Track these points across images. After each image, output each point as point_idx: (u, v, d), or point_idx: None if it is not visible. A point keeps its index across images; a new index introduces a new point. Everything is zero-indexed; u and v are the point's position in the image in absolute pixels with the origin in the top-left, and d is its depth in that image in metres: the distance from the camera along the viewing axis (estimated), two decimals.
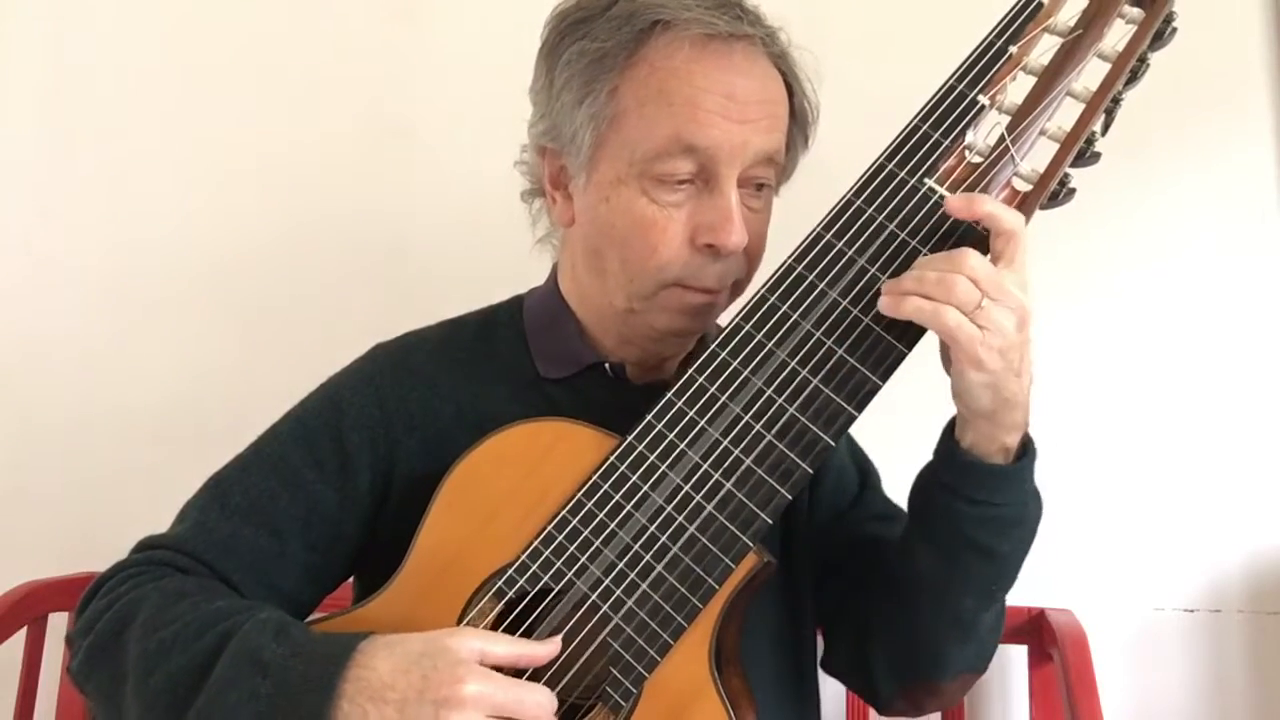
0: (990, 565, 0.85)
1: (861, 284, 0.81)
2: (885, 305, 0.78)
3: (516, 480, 0.85)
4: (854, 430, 0.82)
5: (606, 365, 0.96)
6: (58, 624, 1.37)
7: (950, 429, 0.84)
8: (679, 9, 0.87)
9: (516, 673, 0.77)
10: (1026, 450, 0.83)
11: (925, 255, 0.80)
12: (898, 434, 1.06)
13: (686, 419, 0.82)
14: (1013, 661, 1.44)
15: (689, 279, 0.89)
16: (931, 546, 0.85)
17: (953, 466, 0.83)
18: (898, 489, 0.93)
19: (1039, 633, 1.36)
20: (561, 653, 0.81)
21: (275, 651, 0.76)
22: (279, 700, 0.74)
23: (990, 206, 0.77)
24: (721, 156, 0.87)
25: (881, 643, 0.93)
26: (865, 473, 1.06)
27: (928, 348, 0.81)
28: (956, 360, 0.78)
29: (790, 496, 0.80)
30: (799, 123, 0.94)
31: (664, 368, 0.97)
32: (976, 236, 0.79)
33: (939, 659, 0.90)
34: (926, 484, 0.86)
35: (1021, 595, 1.34)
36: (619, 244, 0.89)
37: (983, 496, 0.82)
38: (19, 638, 1.32)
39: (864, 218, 0.82)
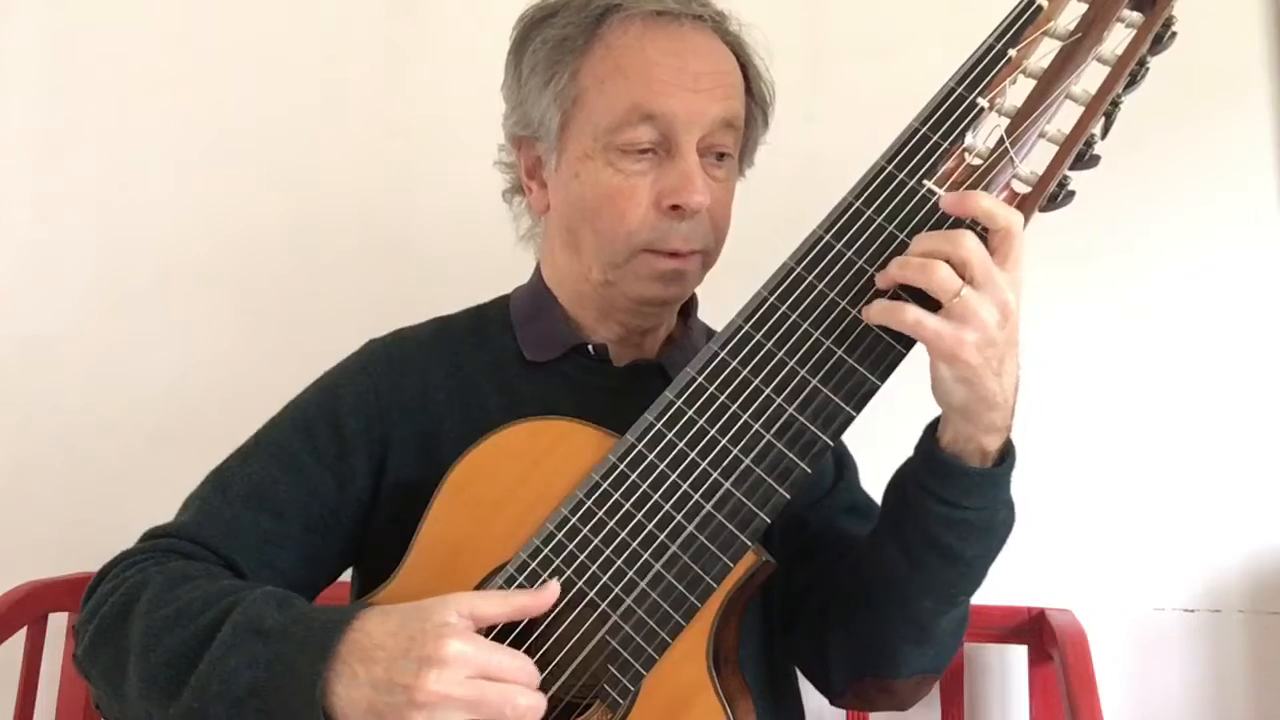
0: (952, 568, 0.85)
1: (860, 285, 0.81)
2: (868, 314, 0.79)
3: (517, 478, 0.85)
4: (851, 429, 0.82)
5: (590, 347, 0.98)
6: (58, 624, 1.37)
7: (934, 426, 0.84)
8: None
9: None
10: (1006, 457, 0.83)
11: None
12: (891, 433, 1.06)
13: (685, 418, 0.82)
14: (1013, 661, 1.44)
15: (657, 242, 0.93)
16: (896, 542, 0.86)
17: (928, 463, 0.83)
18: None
19: (1039, 633, 1.36)
20: (560, 650, 0.81)
21: (277, 619, 0.77)
22: (276, 664, 0.75)
23: (985, 203, 0.77)
24: (679, 124, 0.91)
25: (838, 634, 0.93)
26: (842, 464, 1.07)
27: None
28: (930, 355, 0.78)
29: (789, 496, 0.80)
30: (757, 102, 0.99)
31: (645, 346, 1.01)
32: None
33: (894, 657, 0.90)
34: (901, 479, 0.86)
35: (1021, 595, 1.36)
36: (590, 215, 0.94)
37: (953, 497, 0.82)
38: (19, 638, 1.32)
39: (863, 219, 0.82)
